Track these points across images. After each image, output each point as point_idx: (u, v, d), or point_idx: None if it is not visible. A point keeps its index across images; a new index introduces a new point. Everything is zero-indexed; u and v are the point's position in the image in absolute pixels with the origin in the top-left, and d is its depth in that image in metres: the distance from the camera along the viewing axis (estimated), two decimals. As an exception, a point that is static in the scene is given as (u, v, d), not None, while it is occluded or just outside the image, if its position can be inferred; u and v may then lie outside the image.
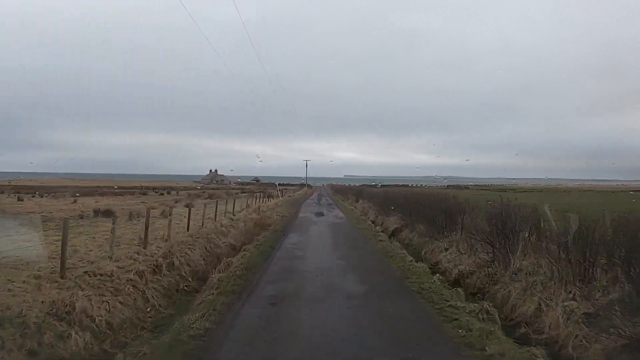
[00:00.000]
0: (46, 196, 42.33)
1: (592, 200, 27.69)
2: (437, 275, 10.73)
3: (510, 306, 8.10)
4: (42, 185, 61.55)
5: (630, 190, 58.68)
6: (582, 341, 6.05)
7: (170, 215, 15.26)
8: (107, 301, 7.25)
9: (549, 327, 6.79)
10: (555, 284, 7.77)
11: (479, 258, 11.01)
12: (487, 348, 5.93)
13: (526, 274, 8.72)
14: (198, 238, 13.58)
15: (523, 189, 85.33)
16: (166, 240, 12.18)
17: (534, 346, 6.08)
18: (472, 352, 5.89)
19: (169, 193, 65.43)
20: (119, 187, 65.96)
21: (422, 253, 14.41)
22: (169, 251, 10.91)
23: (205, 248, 13.21)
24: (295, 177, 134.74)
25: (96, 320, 6.65)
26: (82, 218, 20.37)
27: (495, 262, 10.15)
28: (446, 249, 13.31)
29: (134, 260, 9.48)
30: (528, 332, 6.96)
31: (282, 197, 54.34)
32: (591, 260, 7.52)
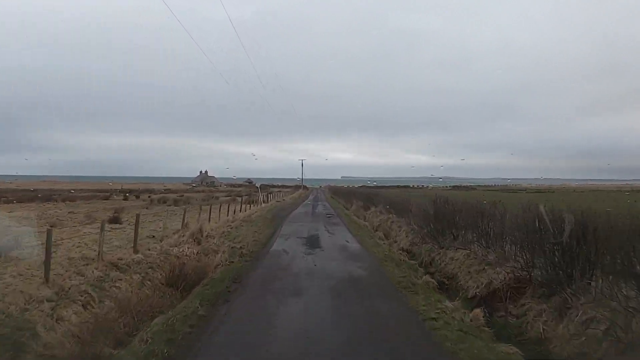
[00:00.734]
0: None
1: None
2: None
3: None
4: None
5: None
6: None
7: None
8: None
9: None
10: None
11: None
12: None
13: None
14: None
15: (535, 189, 77.37)
16: None
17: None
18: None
19: (137, 197, 56.26)
20: (90, 190, 60.41)
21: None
22: None
23: None
24: (291, 179, 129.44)
25: None
26: None
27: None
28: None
29: None
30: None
31: (268, 202, 43.07)
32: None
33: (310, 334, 6.43)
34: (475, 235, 11.85)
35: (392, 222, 21.86)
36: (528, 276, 8.41)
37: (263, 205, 38.61)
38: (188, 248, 12.08)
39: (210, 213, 21.63)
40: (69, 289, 7.63)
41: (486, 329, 7.02)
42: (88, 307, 7.50)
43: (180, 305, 7.90)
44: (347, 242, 16.61)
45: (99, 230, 10.24)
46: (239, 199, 40.21)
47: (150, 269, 9.81)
